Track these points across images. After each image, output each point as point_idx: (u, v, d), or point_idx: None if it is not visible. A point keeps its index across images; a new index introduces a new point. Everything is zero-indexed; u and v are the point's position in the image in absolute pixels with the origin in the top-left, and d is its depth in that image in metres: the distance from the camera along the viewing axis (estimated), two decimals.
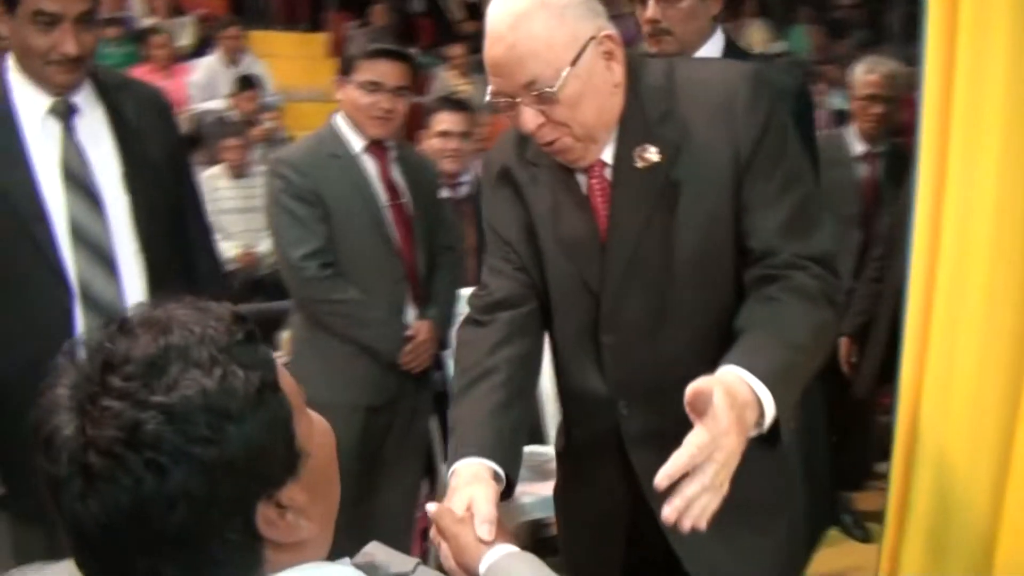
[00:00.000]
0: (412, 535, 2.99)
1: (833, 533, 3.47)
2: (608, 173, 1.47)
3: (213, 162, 5.48)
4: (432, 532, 1.29)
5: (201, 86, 6.69)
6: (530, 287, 1.55)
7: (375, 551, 1.00)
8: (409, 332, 2.69)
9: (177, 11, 7.57)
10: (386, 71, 2.59)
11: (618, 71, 1.42)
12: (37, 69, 1.88)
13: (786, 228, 1.40)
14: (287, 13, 9.06)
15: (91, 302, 1.92)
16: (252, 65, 6.93)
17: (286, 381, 0.83)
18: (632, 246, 1.44)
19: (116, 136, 2.00)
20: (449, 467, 1.39)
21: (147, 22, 7.28)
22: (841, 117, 5.65)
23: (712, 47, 2.23)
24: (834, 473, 3.33)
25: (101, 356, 0.76)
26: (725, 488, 1.15)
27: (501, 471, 1.37)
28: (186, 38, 7.46)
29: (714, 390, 1.15)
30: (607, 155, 1.46)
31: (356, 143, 2.65)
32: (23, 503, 1.94)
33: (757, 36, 9.52)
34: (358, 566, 0.90)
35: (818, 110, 4.68)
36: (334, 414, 2.71)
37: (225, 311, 0.82)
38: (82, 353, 0.77)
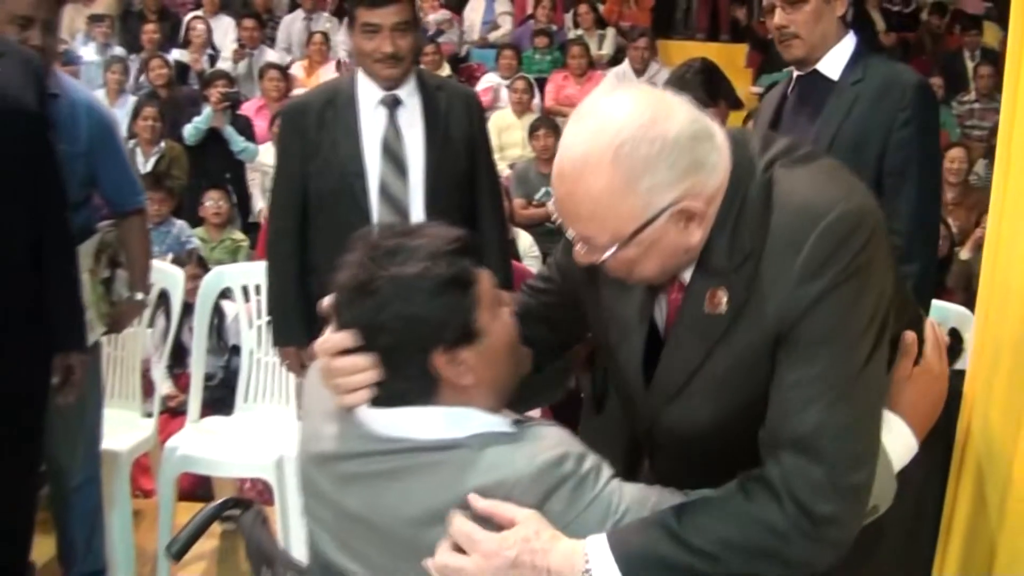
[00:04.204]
0: None
1: None
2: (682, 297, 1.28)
3: None
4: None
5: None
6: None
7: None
8: None
9: (600, 24, 8.38)
10: None
11: (696, 234, 1.20)
12: (368, 66, 2.57)
13: (783, 410, 1.16)
14: (710, 25, 9.57)
15: None
16: (658, 73, 7.47)
17: (484, 287, 1.25)
18: (676, 388, 1.29)
19: (426, 122, 2.63)
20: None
21: (573, 34, 8.18)
22: None
23: (843, 48, 2.36)
24: None
25: (373, 241, 1.25)
26: None
27: None
28: (605, 48, 8.23)
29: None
30: (687, 275, 1.27)
31: None
32: None
33: None
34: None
35: None
36: None
37: (458, 234, 1.25)
38: (371, 238, 1.26)
